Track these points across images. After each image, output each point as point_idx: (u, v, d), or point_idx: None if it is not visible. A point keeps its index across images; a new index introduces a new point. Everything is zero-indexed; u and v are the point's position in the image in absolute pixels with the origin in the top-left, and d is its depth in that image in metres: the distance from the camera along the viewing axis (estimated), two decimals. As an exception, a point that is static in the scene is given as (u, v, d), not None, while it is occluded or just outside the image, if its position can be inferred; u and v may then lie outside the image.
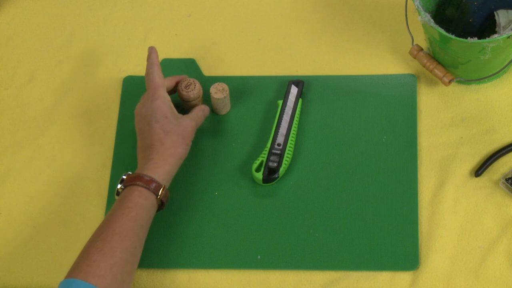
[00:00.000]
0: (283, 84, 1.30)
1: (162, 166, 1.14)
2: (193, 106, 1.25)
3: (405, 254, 1.17)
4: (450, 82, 1.24)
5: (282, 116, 1.25)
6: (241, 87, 1.31)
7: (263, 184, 1.22)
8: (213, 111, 1.28)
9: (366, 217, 1.19)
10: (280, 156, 1.22)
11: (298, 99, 1.27)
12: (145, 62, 1.35)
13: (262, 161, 1.22)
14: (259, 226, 1.20)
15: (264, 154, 1.23)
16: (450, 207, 1.20)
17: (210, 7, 1.41)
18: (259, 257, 1.19)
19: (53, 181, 1.27)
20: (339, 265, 1.16)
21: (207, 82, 1.33)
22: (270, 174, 1.21)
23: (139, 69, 1.35)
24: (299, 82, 1.28)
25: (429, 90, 1.29)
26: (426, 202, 1.20)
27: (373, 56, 1.32)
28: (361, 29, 1.35)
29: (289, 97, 1.27)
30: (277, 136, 1.24)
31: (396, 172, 1.22)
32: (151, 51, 1.24)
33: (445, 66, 1.25)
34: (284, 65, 1.33)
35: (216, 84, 1.26)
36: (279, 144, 1.23)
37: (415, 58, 1.27)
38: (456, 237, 1.18)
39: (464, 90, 1.28)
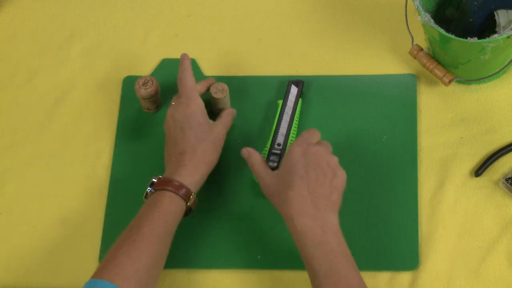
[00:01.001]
0: (283, 84, 1.30)
1: (194, 175, 1.14)
2: (221, 109, 1.26)
3: (405, 254, 1.17)
4: (450, 82, 1.24)
5: (282, 116, 1.25)
6: (241, 87, 1.31)
7: None
8: (212, 111, 1.28)
9: (366, 217, 1.19)
10: (280, 156, 1.22)
11: (298, 99, 1.26)
12: (145, 62, 1.36)
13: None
14: (259, 226, 1.20)
15: (264, 154, 1.22)
16: (450, 207, 1.20)
17: (210, 7, 1.41)
18: (259, 257, 1.19)
19: (53, 181, 1.27)
20: (339, 265, 1.16)
21: (207, 82, 1.33)
22: None
23: (139, 69, 1.35)
24: (299, 82, 1.28)
25: (429, 90, 1.29)
26: (426, 202, 1.20)
27: (373, 56, 1.32)
28: (361, 29, 1.35)
29: (289, 97, 1.26)
30: (277, 136, 1.23)
31: (396, 172, 1.22)
32: (184, 57, 1.24)
33: (445, 66, 1.25)
34: (284, 65, 1.33)
35: (216, 84, 1.26)
36: (279, 144, 1.23)
37: (415, 58, 1.27)
38: (456, 237, 1.18)
39: (464, 90, 1.28)
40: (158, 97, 1.28)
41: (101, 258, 1.20)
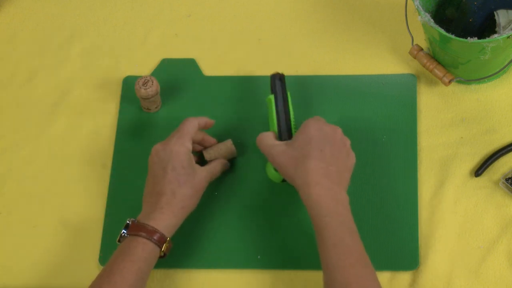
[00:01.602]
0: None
1: (170, 219, 1.11)
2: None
3: (405, 254, 1.17)
4: (450, 82, 1.24)
5: (279, 113, 1.22)
6: (241, 87, 1.31)
7: (281, 183, 1.20)
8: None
9: (366, 217, 1.19)
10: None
11: (286, 93, 1.23)
12: (145, 62, 1.36)
13: None
14: (259, 226, 1.20)
15: None
16: (450, 207, 1.20)
17: (210, 7, 1.41)
18: (259, 257, 1.19)
19: (53, 181, 1.27)
20: (339, 265, 1.16)
21: (207, 82, 1.33)
22: None
23: (139, 69, 1.35)
24: (281, 76, 1.24)
25: (429, 90, 1.29)
26: (426, 202, 1.20)
27: (373, 56, 1.32)
28: (361, 29, 1.35)
29: (277, 91, 1.23)
30: (281, 134, 1.21)
31: (396, 172, 1.22)
32: (206, 120, 1.21)
33: (445, 66, 1.25)
34: (284, 65, 1.33)
35: (210, 149, 1.23)
36: (285, 138, 1.19)
37: (415, 58, 1.27)
38: (456, 237, 1.18)
39: (464, 90, 1.28)
40: (158, 97, 1.28)
41: (101, 258, 1.20)
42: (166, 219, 1.11)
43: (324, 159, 1.11)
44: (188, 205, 1.14)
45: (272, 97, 1.23)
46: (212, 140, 1.23)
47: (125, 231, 1.11)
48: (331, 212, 1.07)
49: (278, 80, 1.23)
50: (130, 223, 1.11)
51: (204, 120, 1.21)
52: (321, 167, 1.10)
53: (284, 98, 1.23)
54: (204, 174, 1.16)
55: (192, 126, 1.18)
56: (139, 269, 1.07)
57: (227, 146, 1.23)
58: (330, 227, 1.06)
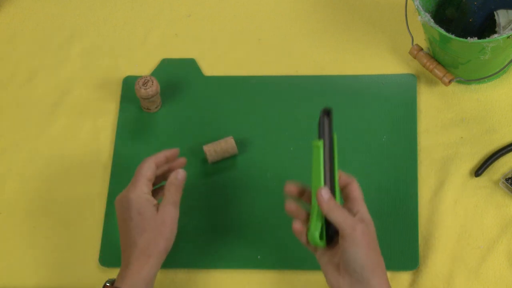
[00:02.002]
0: (283, 84, 1.30)
1: (138, 273, 1.04)
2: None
3: (405, 254, 1.17)
4: (450, 82, 1.24)
5: (326, 163, 1.02)
6: (241, 87, 1.31)
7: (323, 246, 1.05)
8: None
9: (366, 217, 1.19)
10: None
11: (332, 133, 1.03)
12: (145, 62, 1.36)
13: (322, 225, 1.02)
14: (259, 226, 1.20)
15: (315, 212, 1.02)
16: (450, 207, 1.20)
17: (210, 7, 1.41)
18: (259, 257, 1.19)
19: (53, 181, 1.27)
20: (339, 265, 1.16)
21: (207, 82, 1.33)
22: (334, 234, 1.03)
23: (139, 69, 1.35)
24: (329, 111, 1.03)
25: (429, 90, 1.29)
26: (426, 202, 1.20)
27: (373, 56, 1.32)
28: (361, 29, 1.35)
29: (325, 133, 1.03)
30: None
31: (396, 172, 1.22)
32: (170, 155, 1.13)
33: (445, 66, 1.25)
34: (284, 65, 1.33)
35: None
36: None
37: (415, 58, 1.27)
38: (456, 237, 1.18)
39: (464, 90, 1.28)
40: (158, 97, 1.28)
41: (101, 258, 1.20)
42: (134, 274, 1.04)
43: (377, 268, 1.01)
44: (156, 251, 1.06)
45: (320, 143, 1.02)
46: (181, 160, 1.15)
47: None
48: None
49: (326, 118, 1.03)
50: (108, 284, 1.07)
51: (162, 156, 1.12)
52: (381, 276, 1.01)
53: (331, 143, 1.03)
54: (166, 211, 1.08)
55: (146, 168, 1.09)
56: None
57: (228, 142, 1.23)
58: None
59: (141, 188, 1.08)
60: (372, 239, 1.01)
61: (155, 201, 1.08)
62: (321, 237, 1.02)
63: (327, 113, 1.03)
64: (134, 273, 1.04)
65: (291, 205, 1.05)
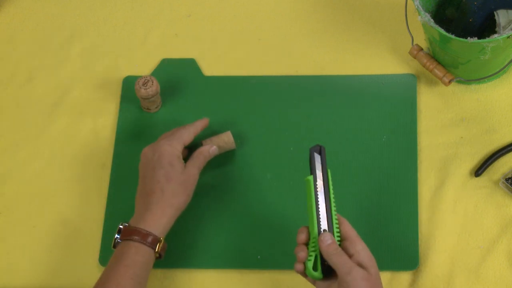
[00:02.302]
0: (283, 84, 1.30)
1: (160, 218, 1.11)
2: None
3: (405, 254, 1.17)
4: (450, 82, 1.24)
5: (317, 196, 1.05)
6: (241, 87, 1.31)
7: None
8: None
9: (366, 217, 1.19)
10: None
11: (326, 169, 1.06)
12: (145, 62, 1.36)
13: (316, 256, 1.03)
14: (259, 226, 1.20)
15: (314, 245, 1.04)
16: (450, 207, 1.20)
17: (210, 7, 1.41)
18: (259, 257, 1.19)
19: (53, 181, 1.27)
20: (339, 265, 1.16)
21: (207, 82, 1.33)
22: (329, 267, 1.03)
23: (139, 69, 1.35)
24: (320, 148, 1.07)
25: (429, 90, 1.29)
26: (426, 202, 1.20)
27: (373, 56, 1.32)
28: (361, 29, 1.35)
29: (316, 169, 1.06)
30: (320, 223, 1.04)
31: (396, 172, 1.22)
32: (202, 121, 1.22)
33: (445, 66, 1.25)
34: (284, 65, 1.33)
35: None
36: (325, 230, 1.04)
37: (415, 58, 1.27)
38: (456, 237, 1.18)
39: (464, 90, 1.28)
40: (158, 97, 1.28)
41: (101, 258, 1.20)
42: (156, 219, 1.11)
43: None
44: (178, 202, 1.13)
45: (311, 178, 1.06)
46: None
47: (118, 236, 1.11)
48: None
49: (317, 155, 1.07)
50: (122, 227, 1.11)
51: (200, 127, 1.21)
52: None
53: (324, 177, 1.06)
54: (192, 169, 1.16)
55: (187, 134, 1.19)
56: (134, 274, 1.07)
57: (226, 136, 1.23)
58: None
59: (176, 146, 1.16)
60: (373, 284, 1.01)
61: (183, 161, 1.16)
62: (315, 269, 1.03)
63: (317, 150, 1.07)
64: (156, 217, 1.10)
65: (298, 267, 1.05)
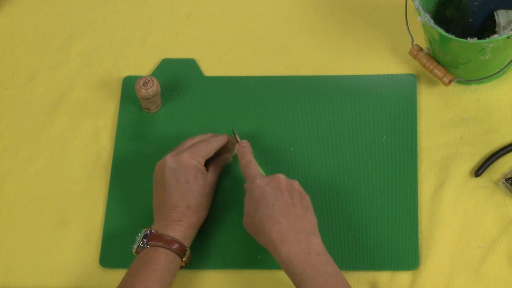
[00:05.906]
0: (283, 84, 1.30)
1: (187, 230, 1.13)
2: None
3: (405, 254, 1.17)
4: (450, 82, 1.24)
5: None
6: (241, 87, 1.31)
7: None
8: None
9: (366, 217, 1.19)
10: None
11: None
12: (145, 62, 1.36)
13: None
14: (259, 226, 1.20)
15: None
16: (450, 207, 1.20)
17: (210, 7, 1.41)
18: (259, 257, 1.19)
19: (53, 181, 1.27)
20: (339, 265, 1.15)
21: (207, 82, 1.33)
22: None
23: (139, 69, 1.35)
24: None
25: (429, 90, 1.29)
26: (426, 202, 1.20)
27: (373, 56, 1.32)
28: (361, 29, 1.35)
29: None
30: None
31: (396, 172, 1.22)
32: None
33: (445, 66, 1.25)
34: (284, 65, 1.33)
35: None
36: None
37: (415, 58, 1.27)
38: (456, 237, 1.18)
39: (464, 90, 1.28)
40: (158, 97, 1.28)
41: (101, 258, 1.20)
42: (183, 230, 1.12)
43: (279, 212, 1.09)
44: (203, 215, 1.17)
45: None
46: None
47: (144, 241, 1.11)
48: (305, 267, 1.04)
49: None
50: (148, 233, 1.12)
51: (222, 142, 1.23)
52: (280, 222, 1.08)
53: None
54: (212, 178, 1.19)
55: (211, 149, 1.20)
56: (162, 279, 1.08)
57: (231, 140, 1.24)
58: (307, 282, 1.04)
59: (200, 160, 1.18)
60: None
61: (206, 172, 1.19)
62: None
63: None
64: (183, 228, 1.12)
65: None
